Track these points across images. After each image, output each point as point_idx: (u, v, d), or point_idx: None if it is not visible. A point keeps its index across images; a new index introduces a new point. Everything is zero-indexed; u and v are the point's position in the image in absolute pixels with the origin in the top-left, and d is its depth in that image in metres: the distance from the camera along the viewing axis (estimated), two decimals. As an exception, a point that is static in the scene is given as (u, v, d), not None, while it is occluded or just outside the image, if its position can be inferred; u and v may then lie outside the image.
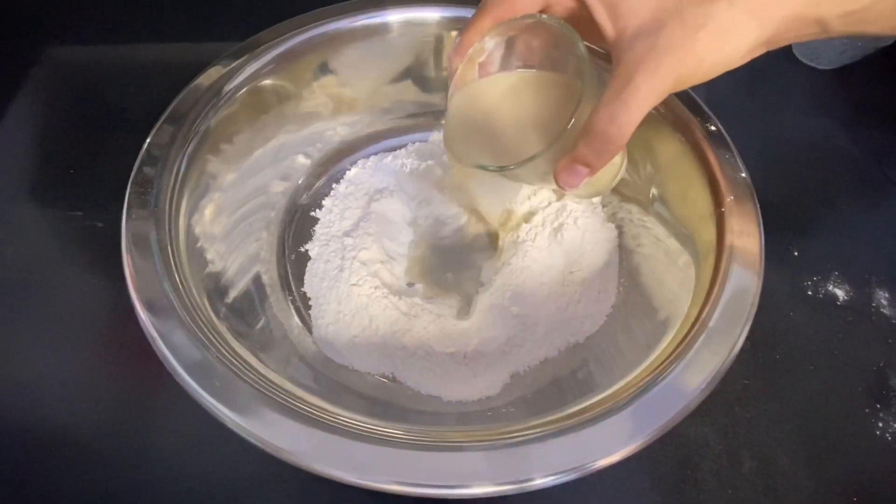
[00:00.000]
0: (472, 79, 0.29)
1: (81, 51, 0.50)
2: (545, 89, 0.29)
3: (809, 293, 0.39)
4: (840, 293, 0.39)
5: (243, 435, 0.22)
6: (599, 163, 0.24)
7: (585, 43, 0.25)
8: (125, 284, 0.33)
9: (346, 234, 0.37)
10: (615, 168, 0.31)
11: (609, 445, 0.22)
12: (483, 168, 0.27)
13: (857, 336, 0.38)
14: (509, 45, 0.29)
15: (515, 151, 0.27)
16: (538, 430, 0.22)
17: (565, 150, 0.25)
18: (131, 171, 0.40)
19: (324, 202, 0.40)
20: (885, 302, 0.39)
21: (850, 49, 0.47)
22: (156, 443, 0.31)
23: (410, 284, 0.36)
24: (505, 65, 0.29)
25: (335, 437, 0.22)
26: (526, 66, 0.29)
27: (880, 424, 0.34)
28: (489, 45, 0.28)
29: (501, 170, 0.26)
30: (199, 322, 0.26)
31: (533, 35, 0.28)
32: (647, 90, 0.23)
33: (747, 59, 0.24)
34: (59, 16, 0.52)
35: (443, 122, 0.30)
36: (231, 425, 0.22)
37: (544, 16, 0.26)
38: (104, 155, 0.43)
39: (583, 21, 0.25)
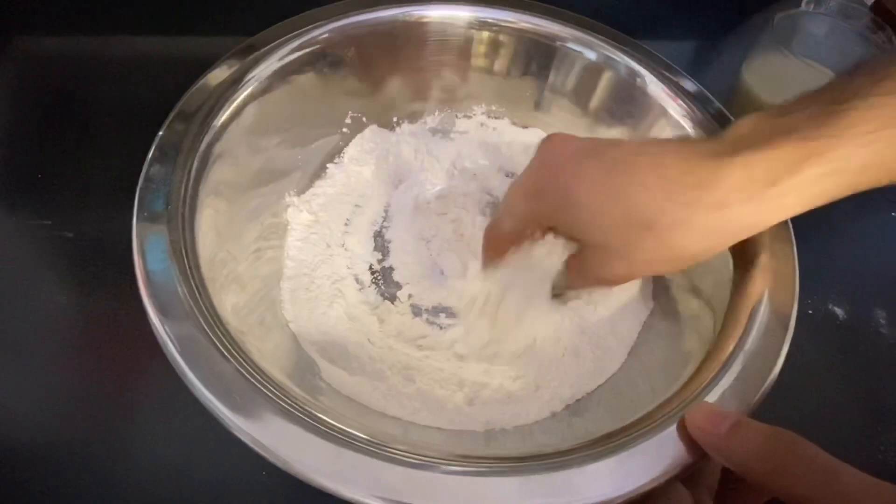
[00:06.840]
0: None
1: (52, 42, 0.47)
2: None
3: (809, 312, 0.39)
4: (840, 312, 0.39)
5: (267, 456, 0.21)
6: None
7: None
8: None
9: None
10: None
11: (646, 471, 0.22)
12: None
13: (856, 356, 0.38)
14: None
15: None
16: (577, 452, 0.22)
17: None
18: (104, 176, 0.38)
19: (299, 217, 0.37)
20: (883, 321, 0.39)
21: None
22: (130, 468, 0.29)
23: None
24: None
25: (364, 458, 0.20)
26: None
27: (882, 447, 0.34)
28: None
29: None
30: (217, 329, 0.24)
31: None
32: None
33: None
34: (28, 2, 0.48)
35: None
36: (254, 445, 0.21)
37: None
38: (75, 158, 0.40)
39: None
